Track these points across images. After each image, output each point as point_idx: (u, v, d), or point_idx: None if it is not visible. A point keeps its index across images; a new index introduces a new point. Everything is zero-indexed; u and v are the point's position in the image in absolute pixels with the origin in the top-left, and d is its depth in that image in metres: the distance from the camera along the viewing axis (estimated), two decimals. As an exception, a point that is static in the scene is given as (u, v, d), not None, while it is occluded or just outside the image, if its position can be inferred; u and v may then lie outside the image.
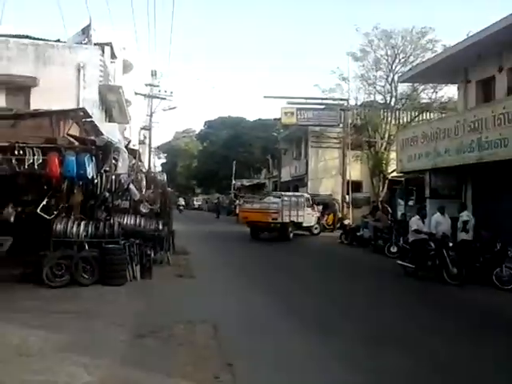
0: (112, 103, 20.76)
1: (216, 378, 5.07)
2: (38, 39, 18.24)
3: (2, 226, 10.30)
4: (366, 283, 11.61)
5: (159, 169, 61.49)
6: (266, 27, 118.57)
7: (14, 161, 9.40)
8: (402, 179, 20.99)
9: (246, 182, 53.05)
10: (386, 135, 27.86)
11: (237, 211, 36.84)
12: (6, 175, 9.62)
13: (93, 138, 10.84)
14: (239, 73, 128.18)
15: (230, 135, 60.45)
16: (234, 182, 54.93)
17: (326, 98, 29.88)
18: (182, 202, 48.82)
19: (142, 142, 29.28)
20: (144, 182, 13.63)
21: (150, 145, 29.45)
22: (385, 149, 27.93)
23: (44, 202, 10.19)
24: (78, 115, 11.20)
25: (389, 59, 27.87)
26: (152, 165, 34.15)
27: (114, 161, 10.46)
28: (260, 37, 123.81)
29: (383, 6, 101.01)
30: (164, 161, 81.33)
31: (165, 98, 23.94)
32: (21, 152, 9.58)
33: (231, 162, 54.96)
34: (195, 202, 63.52)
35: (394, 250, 15.95)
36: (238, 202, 40.25)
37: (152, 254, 11.45)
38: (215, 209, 45.74)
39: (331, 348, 6.29)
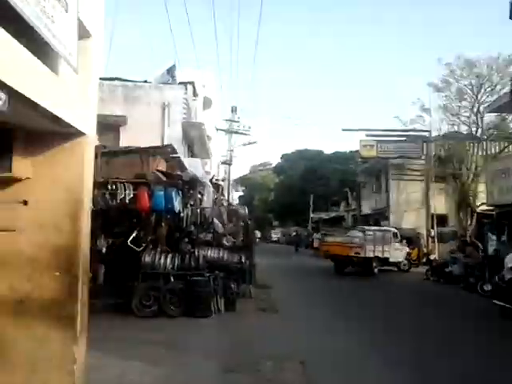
0: (194, 139, 21.50)
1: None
2: (126, 80, 19.37)
3: (95, 256, 10.80)
4: (461, 323, 10.92)
5: (236, 202, 62.40)
6: (340, 58, 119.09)
7: (107, 195, 9.91)
8: (493, 213, 19.79)
9: (324, 215, 52.51)
10: (473, 167, 26.67)
11: (314, 244, 36.48)
12: (100, 209, 10.15)
13: (179, 173, 11.24)
14: (316, 105, 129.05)
15: (306, 168, 60.47)
16: (311, 215, 54.56)
17: (407, 130, 29.22)
18: (257, 234, 49.03)
19: (223, 178, 30.04)
20: (225, 216, 13.89)
21: (229, 179, 30.28)
22: (471, 181, 26.73)
23: (134, 235, 10.62)
24: (166, 151, 11.69)
25: (473, 89, 26.93)
26: (230, 198, 34.94)
27: (199, 195, 10.74)
28: (335, 69, 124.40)
29: (465, 34, 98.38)
30: (241, 194, 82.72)
31: (245, 134, 24.56)
32: (113, 187, 10.11)
33: (308, 194, 54.77)
34: (273, 235, 63.40)
35: (487, 288, 14.92)
36: (315, 235, 39.87)
37: (235, 287, 11.53)
38: (293, 242, 45.47)
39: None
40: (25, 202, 4.55)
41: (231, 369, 6.45)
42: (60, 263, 4.52)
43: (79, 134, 4.50)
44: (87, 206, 4.71)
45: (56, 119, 3.98)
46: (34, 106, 3.55)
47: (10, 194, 4.56)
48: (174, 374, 6.13)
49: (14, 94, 3.22)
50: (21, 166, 4.48)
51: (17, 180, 4.53)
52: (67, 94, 4.19)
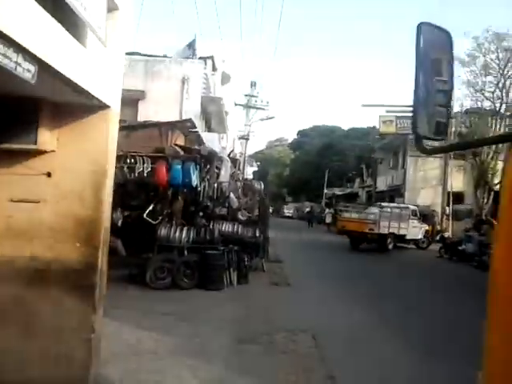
0: (212, 114, 21.54)
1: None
2: (146, 55, 19.39)
3: (111, 229, 11.02)
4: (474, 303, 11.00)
5: (250, 177, 62.41)
6: (362, 30, 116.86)
7: (125, 169, 10.07)
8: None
9: (338, 191, 52.39)
10: (494, 144, 26.21)
11: (327, 220, 36.53)
12: (117, 182, 10.31)
13: (197, 147, 11.34)
14: (335, 80, 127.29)
15: (323, 144, 60.17)
16: (325, 190, 54.47)
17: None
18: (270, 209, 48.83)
19: (240, 153, 30.00)
20: (241, 190, 14.01)
21: (245, 154, 30.30)
22: (491, 158, 26.39)
23: (150, 208, 10.80)
24: (185, 126, 11.78)
25: (500, 63, 26.36)
26: (245, 173, 34.95)
27: (216, 169, 10.84)
28: (356, 41, 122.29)
29: (492, 7, 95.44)
30: (256, 169, 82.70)
31: (263, 109, 24.48)
32: (132, 161, 10.26)
33: (323, 170, 54.61)
34: (285, 211, 63.38)
35: (501, 266, 14.90)
36: (327, 210, 39.89)
37: (248, 261, 11.71)
38: (306, 217, 45.53)
39: (437, 368, 6.06)
40: (48, 174, 4.66)
41: (244, 340, 6.63)
42: (81, 234, 4.65)
43: (104, 106, 4.58)
44: (111, 177, 4.81)
45: (82, 91, 4.05)
46: (61, 77, 3.61)
47: (34, 165, 4.66)
48: (188, 343, 6.31)
49: (42, 66, 3.29)
50: (46, 138, 4.58)
51: (42, 152, 4.64)
52: (94, 67, 4.24)
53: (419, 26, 2.57)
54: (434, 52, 2.59)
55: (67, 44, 3.71)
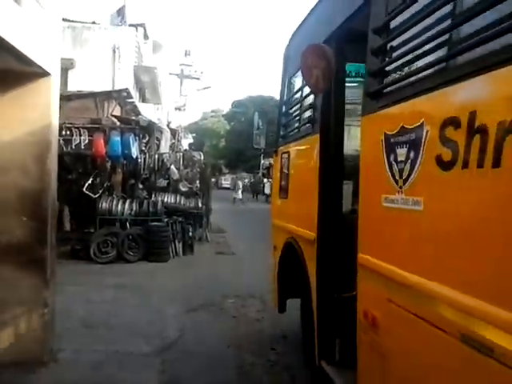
0: (146, 84, 20.97)
1: (272, 349, 5.27)
2: (74, 21, 18.46)
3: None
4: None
5: (187, 148, 61.56)
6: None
7: (61, 141, 9.69)
8: None
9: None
10: None
11: (265, 190, 36.89)
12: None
13: (135, 118, 11.08)
14: (269, 48, 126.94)
15: (257, 113, 60.21)
16: (262, 161, 54.84)
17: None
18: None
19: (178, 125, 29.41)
20: (181, 161, 13.89)
21: (181, 125, 29.82)
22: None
23: (89, 181, 10.52)
24: (121, 96, 11.45)
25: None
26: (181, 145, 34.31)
27: (156, 141, 10.68)
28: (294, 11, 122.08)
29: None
30: (191, 141, 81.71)
31: (198, 78, 24.03)
32: (67, 132, 9.89)
33: (267, 137, 54.67)
34: (223, 181, 63.32)
35: None
36: (265, 180, 40.27)
37: (192, 232, 11.75)
38: (252, 189, 45.73)
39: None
40: (-13, 145, 4.45)
41: (194, 308, 6.71)
42: (27, 207, 4.48)
43: (45, 73, 4.35)
44: (54, 148, 4.63)
45: (20, 56, 3.81)
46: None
47: (-29, 137, 4.43)
48: (140, 314, 6.32)
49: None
50: (-17, 107, 4.34)
51: (-21, 123, 4.40)
52: (31, 30, 3.99)
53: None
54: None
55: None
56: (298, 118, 4.77)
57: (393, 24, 2.61)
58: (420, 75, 2.32)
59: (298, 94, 4.70)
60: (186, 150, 18.36)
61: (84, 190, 10.38)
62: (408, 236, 2.36)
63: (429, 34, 2.23)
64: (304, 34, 4.64)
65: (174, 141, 13.07)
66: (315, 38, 3.94)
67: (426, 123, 2.14)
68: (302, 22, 4.70)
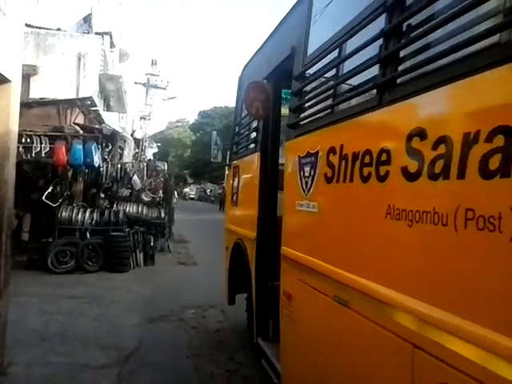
0: (111, 92, 20.73)
1: (231, 359, 5.24)
2: (38, 28, 18.12)
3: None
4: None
5: (151, 158, 60.97)
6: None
7: (21, 148, 9.45)
8: None
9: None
10: None
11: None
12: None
13: (98, 126, 10.92)
14: (235, 60, 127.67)
15: (224, 125, 60.28)
16: (227, 172, 54.79)
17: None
18: (175, 193, 48.33)
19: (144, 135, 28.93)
20: (145, 171, 13.73)
21: (146, 134, 29.37)
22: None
23: (49, 190, 10.28)
24: (85, 104, 11.27)
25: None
26: (145, 154, 33.82)
27: (119, 150, 10.54)
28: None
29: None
30: (156, 150, 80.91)
31: (164, 88, 23.88)
32: (28, 140, 9.67)
33: (225, 151, 54.74)
34: (188, 191, 62.70)
35: None
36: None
37: (154, 242, 11.60)
38: (204, 198, 45.45)
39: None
40: None
41: (154, 319, 6.63)
42: (-18, 215, 4.37)
43: (4, 80, 4.26)
44: (13, 156, 4.53)
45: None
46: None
47: None
48: (98, 325, 6.19)
49: None
50: None
51: None
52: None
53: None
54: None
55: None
56: (245, 137, 5.64)
57: (307, 74, 3.36)
58: (317, 115, 3.12)
59: (247, 118, 5.46)
60: (149, 159, 18.19)
61: (44, 198, 10.13)
62: (310, 231, 3.17)
63: (325, 86, 3.09)
64: (252, 68, 5.53)
65: (137, 150, 12.91)
66: (259, 72, 4.85)
67: (319, 150, 2.89)
68: (251, 57, 5.59)
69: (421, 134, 1.86)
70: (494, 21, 1.58)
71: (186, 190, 63.72)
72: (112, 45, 22.26)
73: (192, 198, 58.84)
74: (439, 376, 1.70)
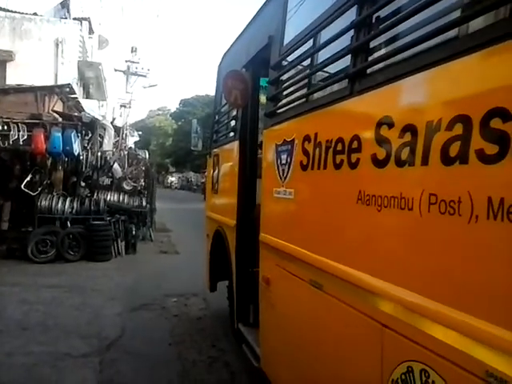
0: (90, 80, 20.49)
1: (213, 346, 5.31)
2: (13, 12, 17.76)
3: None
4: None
5: (132, 147, 60.43)
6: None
7: (-3, 136, 9.36)
8: None
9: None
10: None
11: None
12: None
13: (77, 114, 10.82)
14: (216, 48, 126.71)
15: (206, 113, 59.93)
16: (208, 160, 54.57)
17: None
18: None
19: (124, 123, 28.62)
20: (126, 159, 13.67)
21: (126, 122, 29.08)
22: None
23: (28, 179, 10.19)
24: (64, 91, 11.14)
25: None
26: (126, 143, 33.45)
27: (99, 138, 10.47)
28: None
29: None
30: (137, 139, 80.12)
31: (145, 76, 23.66)
32: (5, 127, 9.55)
33: (205, 141, 54.47)
34: (170, 180, 62.44)
35: None
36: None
37: (135, 231, 11.59)
38: (186, 187, 45.39)
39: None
40: None
41: (136, 308, 6.65)
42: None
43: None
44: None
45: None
46: None
47: None
48: (80, 314, 6.20)
49: None
50: None
51: None
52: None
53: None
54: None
55: None
56: (225, 126, 5.74)
57: (283, 63, 3.42)
58: (293, 104, 3.17)
59: (226, 107, 5.50)
60: (130, 147, 18.06)
61: (22, 187, 10.03)
62: (287, 217, 3.26)
63: (300, 75, 3.16)
64: (230, 57, 5.54)
65: (118, 138, 12.83)
66: (238, 61, 4.88)
67: (295, 138, 2.95)
68: (230, 46, 5.60)
69: (389, 122, 1.93)
70: (455, 14, 1.65)
71: (173, 179, 63.31)
72: (91, 31, 21.94)
73: (175, 187, 58.63)
74: (406, 353, 1.79)
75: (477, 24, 1.54)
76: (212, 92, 6.71)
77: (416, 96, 1.87)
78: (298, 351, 2.96)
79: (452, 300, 1.57)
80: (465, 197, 1.48)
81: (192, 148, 7.26)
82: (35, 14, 18.48)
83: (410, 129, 1.78)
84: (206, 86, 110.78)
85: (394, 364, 1.84)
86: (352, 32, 2.33)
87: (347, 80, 2.37)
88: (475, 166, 1.45)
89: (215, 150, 5.95)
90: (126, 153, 13.66)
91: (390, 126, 1.92)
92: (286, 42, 3.33)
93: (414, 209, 1.73)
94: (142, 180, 13.71)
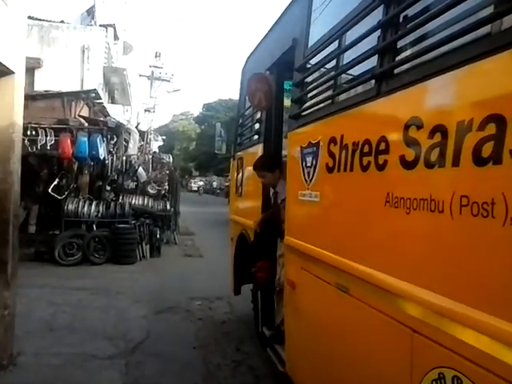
0: (115, 85, 20.77)
1: (238, 350, 5.30)
2: (41, 20, 18.13)
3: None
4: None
5: (157, 151, 60.85)
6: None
7: (26, 141, 9.52)
8: None
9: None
10: None
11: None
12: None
13: (103, 119, 10.97)
14: (240, 52, 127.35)
15: (229, 117, 60.13)
16: (231, 163, 54.65)
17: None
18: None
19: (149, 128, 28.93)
20: (150, 164, 13.79)
21: (150, 127, 29.42)
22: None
23: (55, 183, 10.36)
24: (90, 97, 11.31)
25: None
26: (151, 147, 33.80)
27: (124, 142, 10.59)
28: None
29: None
30: (161, 143, 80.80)
31: (168, 81, 23.88)
32: (33, 133, 9.73)
33: (230, 144, 54.64)
34: (193, 185, 62.71)
35: None
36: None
37: (160, 234, 11.67)
38: (210, 191, 45.58)
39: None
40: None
41: (161, 310, 6.69)
42: (-11, 208, 4.42)
43: (8, 72, 4.27)
44: (18, 148, 4.56)
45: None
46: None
47: None
48: (105, 316, 6.26)
49: None
50: None
51: None
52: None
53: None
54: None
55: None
56: (249, 129, 5.75)
57: (308, 65, 3.42)
58: (318, 106, 3.16)
59: (250, 110, 5.53)
60: (154, 152, 18.23)
61: (50, 191, 10.21)
62: (312, 220, 3.24)
63: (325, 77, 3.13)
64: (254, 60, 5.56)
65: (142, 143, 12.96)
66: (261, 64, 4.89)
67: (320, 140, 2.93)
68: (254, 50, 5.63)
69: (417, 123, 1.90)
70: (487, 11, 1.60)
71: (200, 183, 63.28)
72: (116, 37, 22.25)
73: (196, 191, 58.70)
74: (438, 359, 1.74)
75: None
76: (235, 96, 6.77)
77: (445, 96, 1.83)
78: (324, 356, 2.93)
79: (485, 304, 1.53)
80: (498, 198, 1.43)
81: (216, 151, 7.27)
82: (62, 21, 18.84)
83: (439, 129, 1.74)
84: (229, 90, 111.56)
85: (424, 370, 1.80)
86: (378, 32, 2.30)
87: (374, 81, 2.34)
88: (509, 167, 1.40)
89: (239, 153, 5.97)
90: (150, 157, 13.77)
91: (419, 126, 1.88)
92: (310, 43, 3.32)
93: (444, 211, 1.69)
94: (166, 184, 13.80)
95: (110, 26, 20.24)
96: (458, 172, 1.63)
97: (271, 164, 4.48)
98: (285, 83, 4.76)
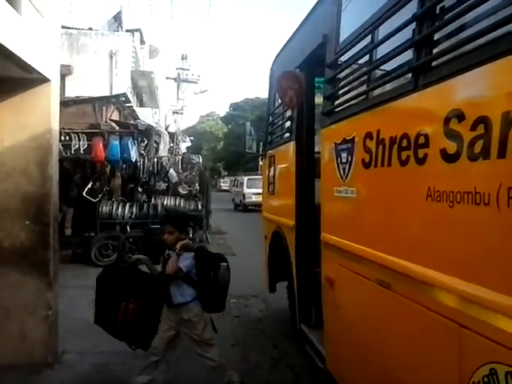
0: (143, 88, 21.04)
1: (275, 347, 5.32)
2: (70, 28, 18.51)
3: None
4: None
5: (185, 151, 61.32)
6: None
7: (60, 146, 9.74)
8: None
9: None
10: None
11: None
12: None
13: (133, 122, 11.14)
14: (265, 51, 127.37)
15: (256, 116, 60.18)
16: (261, 162, 54.77)
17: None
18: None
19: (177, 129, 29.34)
20: (180, 164, 13.92)
21: (179, 128, 29.81)
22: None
23: (89, 186, 10.57)
24: (119, 101, 11.51)
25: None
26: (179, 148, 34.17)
27: (155, 144, 10.73)
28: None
29: None
30: (189, 144, 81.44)
31: (195, 82, 24.08)
32: (67, 138, 9.95)
33: (259, 143, 54.74)
34: (222, 184, 63.07)
35: None
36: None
37: (192, 234, 11.77)
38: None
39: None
40: (-10, 152, 4.50)
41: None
42: (30, 211, 4.54)
43: (44, 80, 4.41)
44: (55, 153, 4.70)
45: (21, 63, 3.87)
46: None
47: (-26, 143, 4.49)
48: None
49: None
50: (-15, 114, 4.40)
51: (-19, 129, 4.45)
52: (32, 37, 4.05)
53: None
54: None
55: (1, 10, 3.49)
56: (280, 127, 5.71)
57: (340, 61, 3.40)
58: (351, 102, 3.16)
59: (280, 108, 5.53)
60: (184, 152, 18.40)
61: (84, 194, 10.42)
62: (349, 216, 3.21)
63: (358, 72, 3.11)
64: (283, 58, 5.53)
65: (172, 144, 13.10)
66: (291, 62, 4.84)
67: (355, 136, 2.92)
68: (282, 48, 5.60)
69: (458, 115, 1.87)
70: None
71: (220, 182, 63.59)
72: (142, 41, 22.55)
73: (226, 190, 58.97)
74: (489, 355, 1.71)
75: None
76: (262, 95, 6.78)
77: (487, 87, 1.81)
78: (366, 352, 2.92)
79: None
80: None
81: (247, 150, 7.25)
82: (90, 28, 19.22)
83: (482, 121, 1.72)
84: (256, 88, 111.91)
85: (474, 366, 1.77)
86: (414, 25, 2.28)
87: (411, 74, 2.32)
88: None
89: (270, 151, 5.97)
90: (180, 158, 13.89)
91: (460, 119, 1.86)
92: (341, 39, 3.30)
93: (490, 203, 1.67)
94: (197, 184, 13.90)
95: (136, 30, 20.53)
96: (505, 163, 1.61)
97: (185, 225, 4.46)
98: (315, 80, 4.74)
